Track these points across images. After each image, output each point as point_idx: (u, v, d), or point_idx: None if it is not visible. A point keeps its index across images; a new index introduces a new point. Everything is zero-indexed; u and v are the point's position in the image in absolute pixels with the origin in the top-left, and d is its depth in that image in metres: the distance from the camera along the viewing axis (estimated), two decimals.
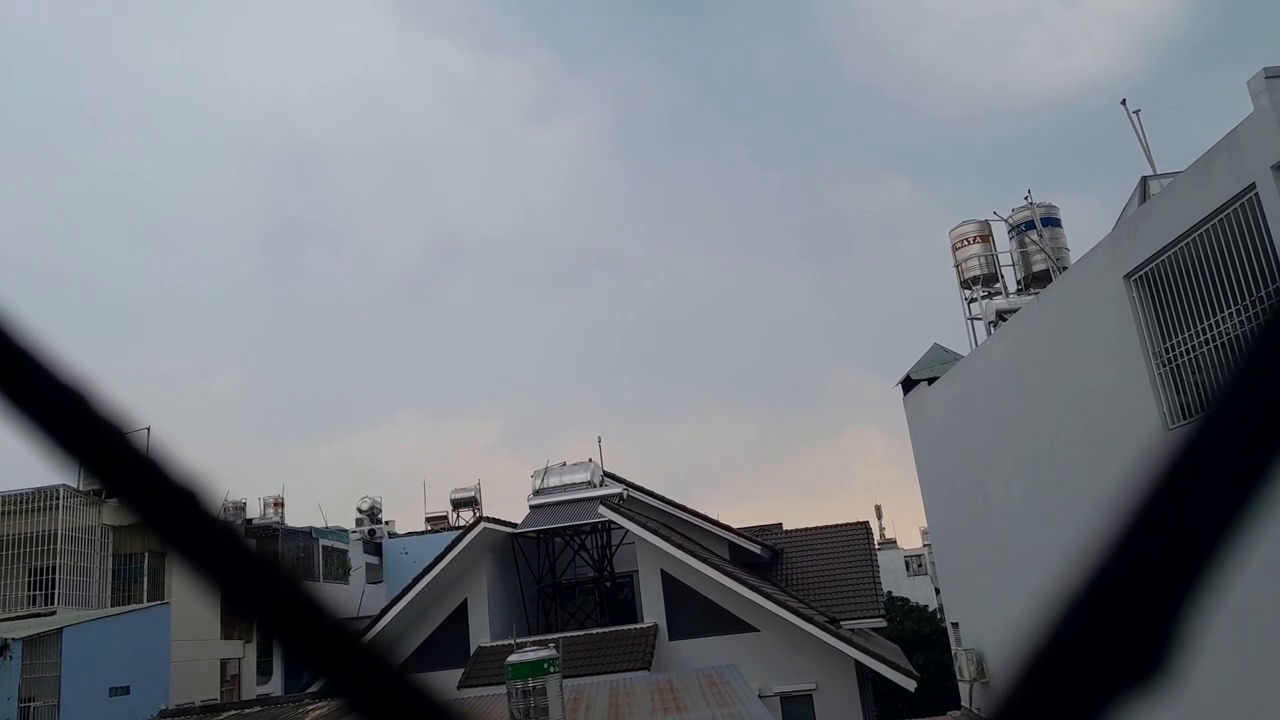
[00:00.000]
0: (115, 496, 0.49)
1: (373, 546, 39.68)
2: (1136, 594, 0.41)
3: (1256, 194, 7.86)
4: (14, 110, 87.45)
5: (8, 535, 24.02)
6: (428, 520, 44.98)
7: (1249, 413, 0.41)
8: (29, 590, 23.96)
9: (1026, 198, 18.76)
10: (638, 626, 21.60)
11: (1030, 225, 18.45)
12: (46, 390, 0.48)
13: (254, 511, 38.77)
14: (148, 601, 24.14)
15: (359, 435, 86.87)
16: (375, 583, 37.63)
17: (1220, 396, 0.42)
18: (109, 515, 24.17)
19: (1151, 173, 13.23)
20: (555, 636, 18.65)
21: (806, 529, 28.08)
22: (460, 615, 22.91)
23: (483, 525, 22.98)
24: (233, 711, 17.77)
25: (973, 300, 19.10)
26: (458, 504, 44.44)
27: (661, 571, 21.92)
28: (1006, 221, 18.87)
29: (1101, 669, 0.40)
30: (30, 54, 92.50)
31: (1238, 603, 7.25)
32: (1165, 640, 0.40)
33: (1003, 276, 18.97)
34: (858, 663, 19.83)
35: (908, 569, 49.44)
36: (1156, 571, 0.41)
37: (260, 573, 0.49)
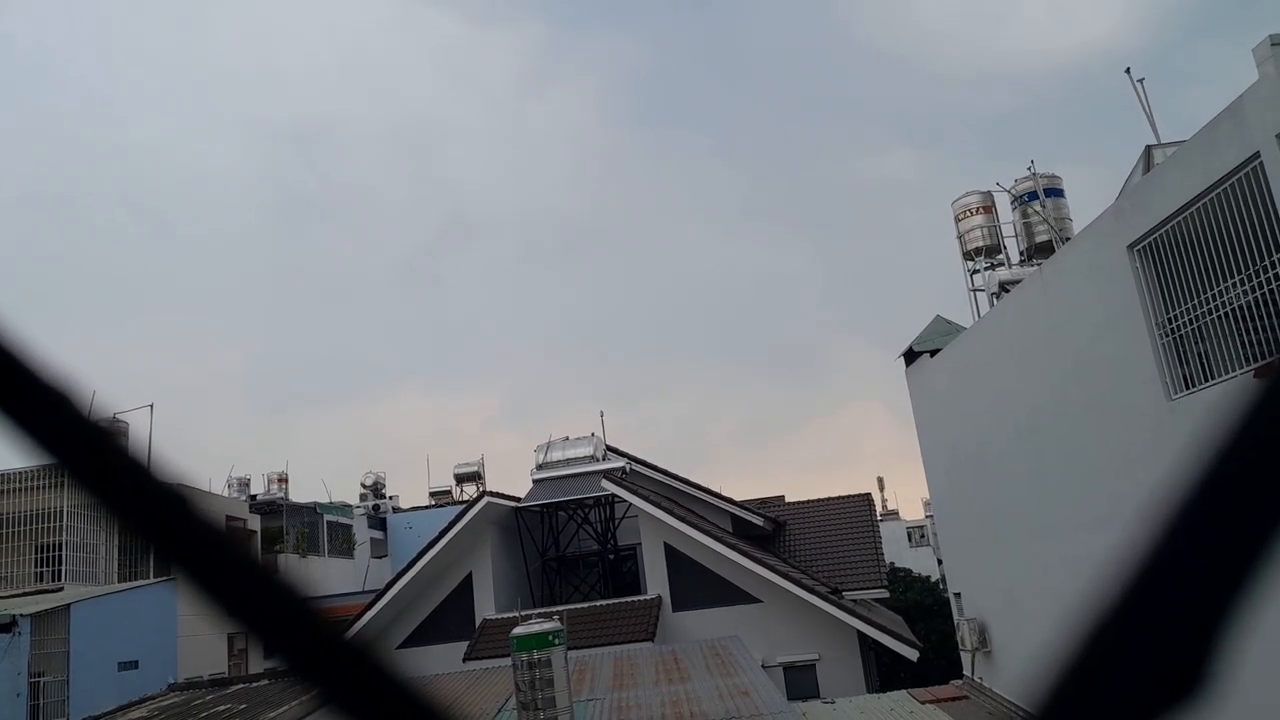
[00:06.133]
0: (104, 507, 0.48)
1: (377, 521, 39.91)
2: (1173, 608, 0.40)
3: (1261, 163, 7.81)
4: (12, 84, 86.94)
5: (15, 513, 24.16)
6: (431, 495, 45.24)
7: None
8: (37, 567, 24.14)
9: (1029, 168, 18.63)
10: (641, 599, 21.74)
11: (1033, 196, 18.34)
12: (30, 391, 0.48)
13: (258, 487, 38.97)
14: (155, 577, 24.31)
15: (362, 411, 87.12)
16: (380, 557, 37.87)
17: (1256, 402, 0.41)
18: None
19: (1156, 142, 13.12)
20: (560, 609, 18.78)
21: (809, 501, 28.18)
22: (465, 589, 23.05)
23: (486, 499, 23.07)
24: (241, 685, 17.93)
25: (975, 272, 19.03)
26: (461, 479, 44.65)
27: (665, 544, 22.03)
28: (1009, 192, 18.75)
29: (1138, 686, 0.39)
30: (27, 27, 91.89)
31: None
32: (1203, 657, 0.39)
33: (1005, 248, 18.88)
34: (860, 633, 19.96)
35: (910, 540, 49.63)
36: (1194, 585, 0.40)
37: (255, 581, 0.49)
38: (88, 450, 0.48)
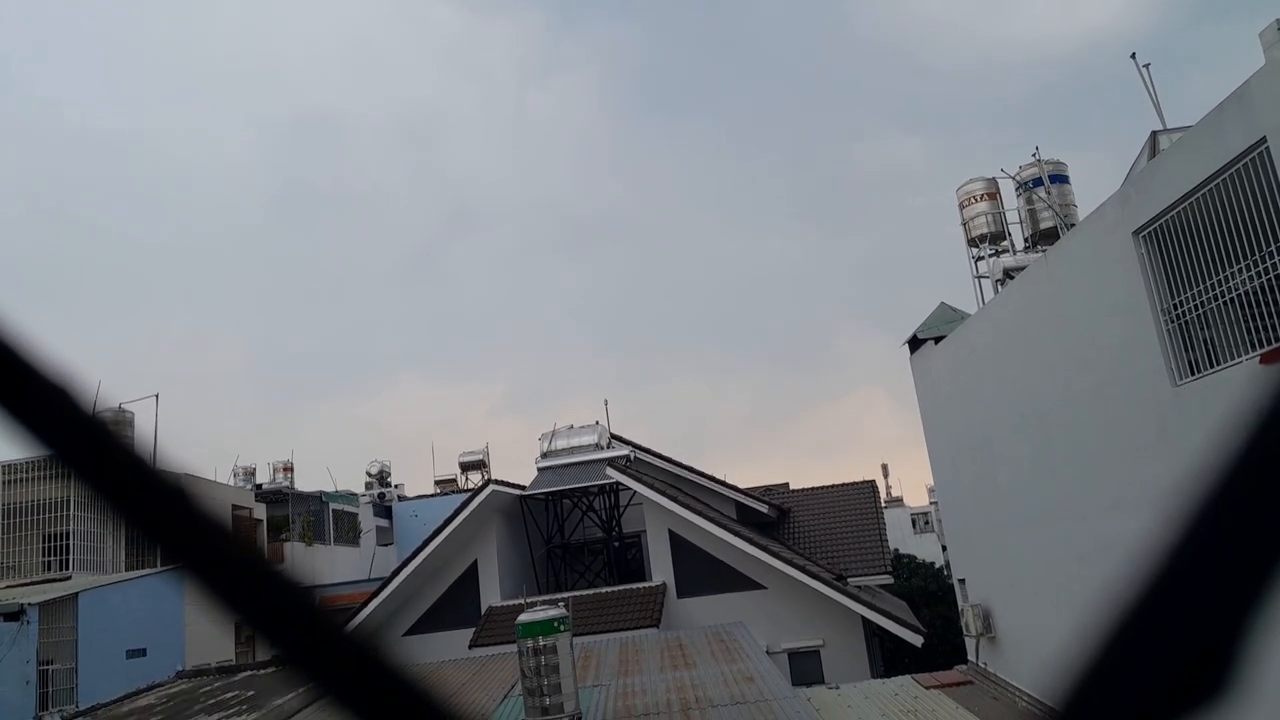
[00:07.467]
0: (102, 498, 0.48)
1: (383, 509, 39.98)
2: (1197, 604, 0.39)
3: (1267, 147, 7.76)
4: (12, 75, 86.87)
5: (21, 502, 24.25)
6: (437, 483, 45.29)
7: None
8: (44, 556, 24.24)
9: (1034, 154, 18.55)
10: (646, 585, 21.80)
11: (1038, 182, 18.26)
12: (29, 385, 0.48)
13: (264, 476, 39.07)
14: (162, 565, 24.39)
15: (367, 400, 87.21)
16: (386, 545, 37.97)
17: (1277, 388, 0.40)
18: None
19: (1161, 127, 13.05)
20: (565, 595, 18.85)
21: (813, 488, 28.21)
22: (471, 576, 23.13)
23: (492, 487, 23.13)
24: (249, 672, 18.02)
25: (980, 258, 18.97)
26: (466, 467, 44.67)
27: (669, 531, 22.07)
28: (1014, 179, 18.67)
29: (1161, 684, 0.39)
30: (28, 26, 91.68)
31: None
32: (1228, 654, 0.38)
33: (1010, 234, 18.81)
34: (865, 619, 20.01)
35: (914, 526, 49.63)
36: (1217, 579, 0.39)
37: (254, 575, 0.49)
38: (86, 444, 0.48)
